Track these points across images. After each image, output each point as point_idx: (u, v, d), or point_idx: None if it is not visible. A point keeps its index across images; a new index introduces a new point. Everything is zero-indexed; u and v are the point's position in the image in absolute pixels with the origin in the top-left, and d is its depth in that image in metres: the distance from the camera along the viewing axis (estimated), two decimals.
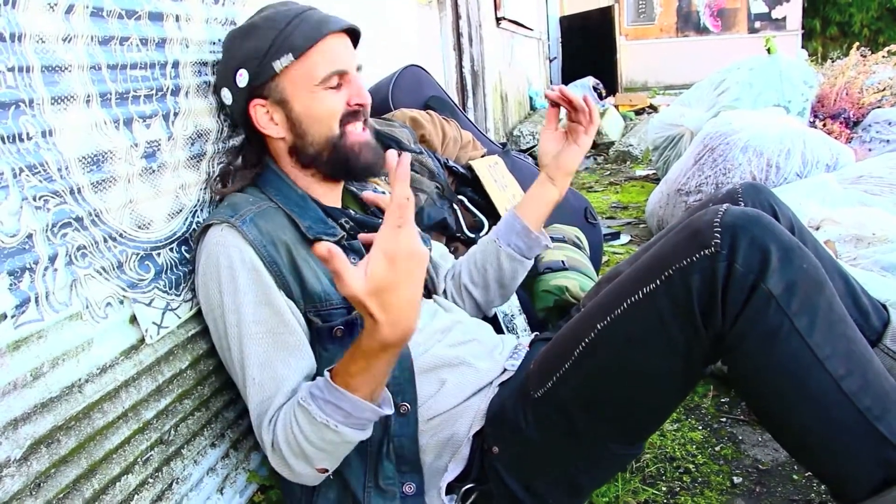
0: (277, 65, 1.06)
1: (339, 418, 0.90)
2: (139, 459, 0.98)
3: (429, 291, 1.31)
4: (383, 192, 1.29)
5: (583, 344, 0.99)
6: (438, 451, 1.10)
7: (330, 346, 1.06)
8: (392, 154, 0.78)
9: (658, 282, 0.92)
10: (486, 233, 1.78)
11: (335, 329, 1.05)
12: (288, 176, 1.15)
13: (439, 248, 1.45)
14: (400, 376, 1.07)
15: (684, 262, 0.90)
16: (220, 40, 1.24)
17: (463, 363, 1.14)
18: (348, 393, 0.89)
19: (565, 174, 1.31)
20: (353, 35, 1.15)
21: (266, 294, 1.02)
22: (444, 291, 1.37)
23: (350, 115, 1.12)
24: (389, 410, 0.94)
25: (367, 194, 1.13)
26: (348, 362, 0.88)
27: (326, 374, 0.91)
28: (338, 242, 1.08)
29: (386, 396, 0.94)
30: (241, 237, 1.02)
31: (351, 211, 1.20)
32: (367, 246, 0.86)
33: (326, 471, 0.98)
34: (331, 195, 1.18)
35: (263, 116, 1.11)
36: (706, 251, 0.88)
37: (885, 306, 1.23)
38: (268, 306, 1.02)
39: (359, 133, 1.13)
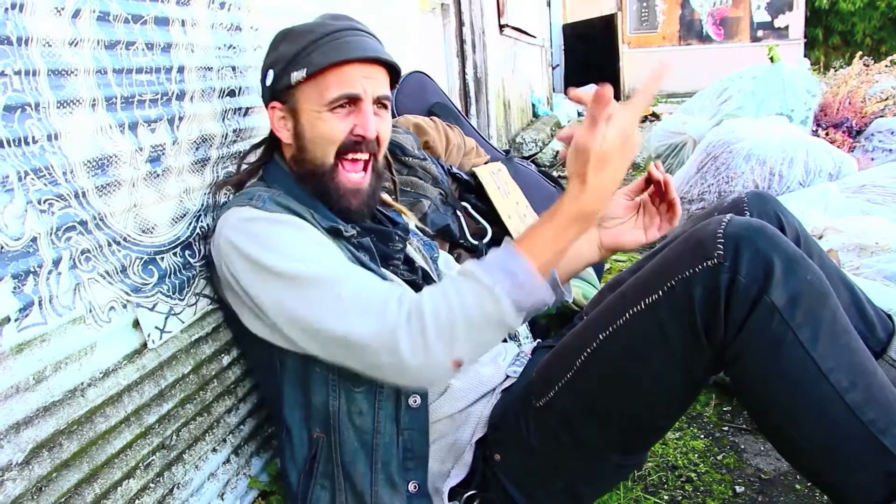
0: (294, 77, 1.05)
1: (507, 286, 0.86)
2: (141, 464, 0.98)
3: None
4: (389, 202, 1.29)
5: (585, 353, 0.99)
6: (442, 455, 1.10)
7: None
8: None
9: (660, 293, 0.92)
10: (489, 239, 1.78)
11: None
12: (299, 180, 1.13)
13: (445, 257, 1.44)
14: None
15: (687, 274, 0.90)
16: (225, 45, 1.24)
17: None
18: (526, 258, 0.89)
19: (613, 250, 1.23)
20: (390, 69, 1.10)
21: (321, 237, 1.01)
22: None
23: (350, 147, 1.07)
24: (560, 298, 1.00)
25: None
26: (538, 226, 0.92)
27: (508, 241, 0.92)
28: (348, 239, 1.06)
29: (553, 281, 0.95)
30: (266, 211, 1.01)
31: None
32: (566, 140, 0.91)
33: (460, 365, 0.90)
34: None
35: (279, 121, 1.11)
36: (709, 262, 0.88)
37: (890, 316, 1.22)
38: (327, 247, 1.00)
39: (351, 177, 1.08)
